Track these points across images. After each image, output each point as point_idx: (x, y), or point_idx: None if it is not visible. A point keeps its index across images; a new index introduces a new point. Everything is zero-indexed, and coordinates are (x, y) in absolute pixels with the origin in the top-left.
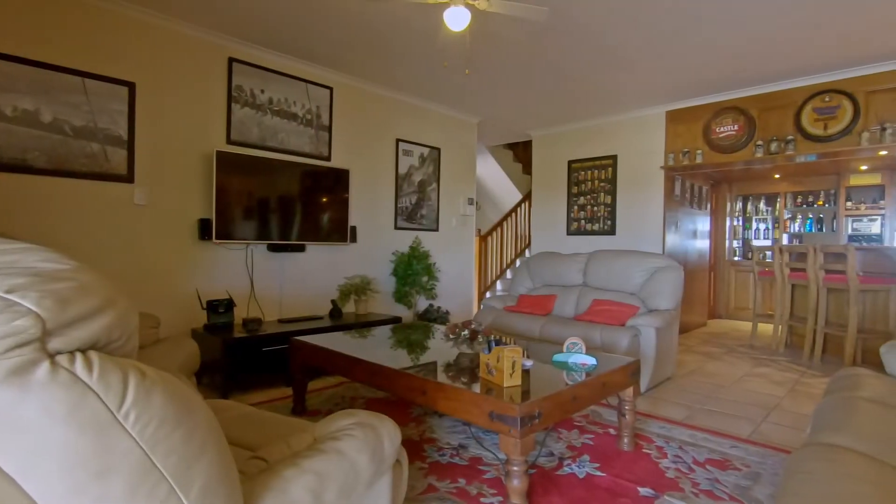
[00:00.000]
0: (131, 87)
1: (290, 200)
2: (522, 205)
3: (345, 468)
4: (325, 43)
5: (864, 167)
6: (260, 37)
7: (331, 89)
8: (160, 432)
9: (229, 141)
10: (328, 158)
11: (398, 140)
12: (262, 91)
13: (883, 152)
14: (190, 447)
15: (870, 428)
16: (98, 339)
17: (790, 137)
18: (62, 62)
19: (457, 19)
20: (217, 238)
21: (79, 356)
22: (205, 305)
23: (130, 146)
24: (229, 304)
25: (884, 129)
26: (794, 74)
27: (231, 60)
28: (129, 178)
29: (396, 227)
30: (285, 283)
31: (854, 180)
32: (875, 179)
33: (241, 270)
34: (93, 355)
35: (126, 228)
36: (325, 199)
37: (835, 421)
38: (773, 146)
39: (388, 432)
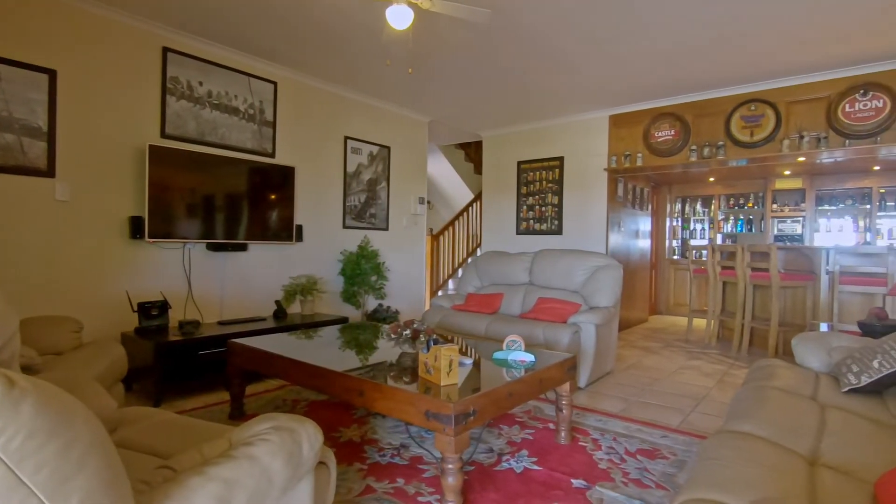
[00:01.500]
0: (52, 74)
1: (230, 198)
2: (474, 204)
3: (256, 474)
4: (268, 35)
5: (787, 172)
6: (198, 27)
7: (275, 84)
8: (28, 445)
9: (164, 135)
10: (272, 155)
11: (347, 138)
12: (201, 83)
13: (801, 158)
14: (66, 460)
15: (775, 415)
16: None
17: (721, 143)
18: None
19: (399, 18)
20: (150, 237)
21: None
22: (136, 308)
23: (51, 138)
24: (163, 306)
25: (801, 137)
26: (724, 84)
27: (165, 50)
28: (49, 172)
29: (345, 227)
30: (226, 283)
31: (779, 184)
32: (797, 184)
33: (178, 271)
34: None
35: (46, 226)
36: (268, 197)
37: (745, 409)
38: (706, 151)
39: (308, 435)
